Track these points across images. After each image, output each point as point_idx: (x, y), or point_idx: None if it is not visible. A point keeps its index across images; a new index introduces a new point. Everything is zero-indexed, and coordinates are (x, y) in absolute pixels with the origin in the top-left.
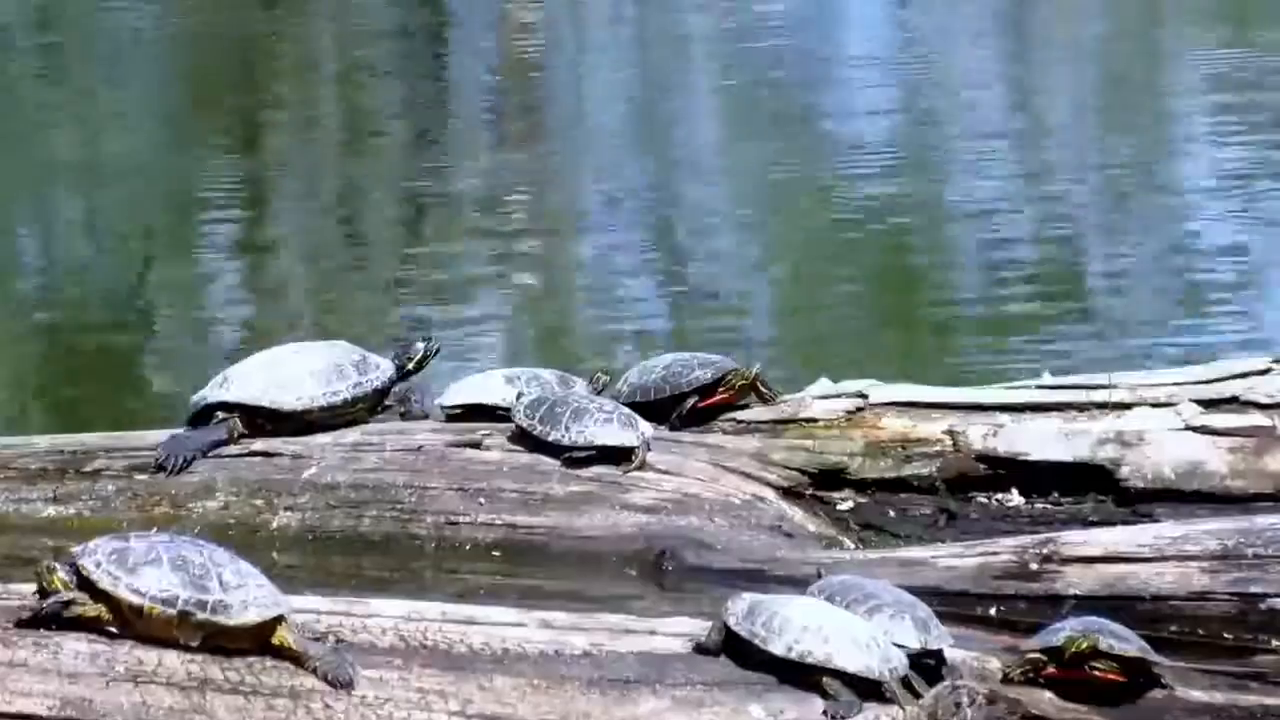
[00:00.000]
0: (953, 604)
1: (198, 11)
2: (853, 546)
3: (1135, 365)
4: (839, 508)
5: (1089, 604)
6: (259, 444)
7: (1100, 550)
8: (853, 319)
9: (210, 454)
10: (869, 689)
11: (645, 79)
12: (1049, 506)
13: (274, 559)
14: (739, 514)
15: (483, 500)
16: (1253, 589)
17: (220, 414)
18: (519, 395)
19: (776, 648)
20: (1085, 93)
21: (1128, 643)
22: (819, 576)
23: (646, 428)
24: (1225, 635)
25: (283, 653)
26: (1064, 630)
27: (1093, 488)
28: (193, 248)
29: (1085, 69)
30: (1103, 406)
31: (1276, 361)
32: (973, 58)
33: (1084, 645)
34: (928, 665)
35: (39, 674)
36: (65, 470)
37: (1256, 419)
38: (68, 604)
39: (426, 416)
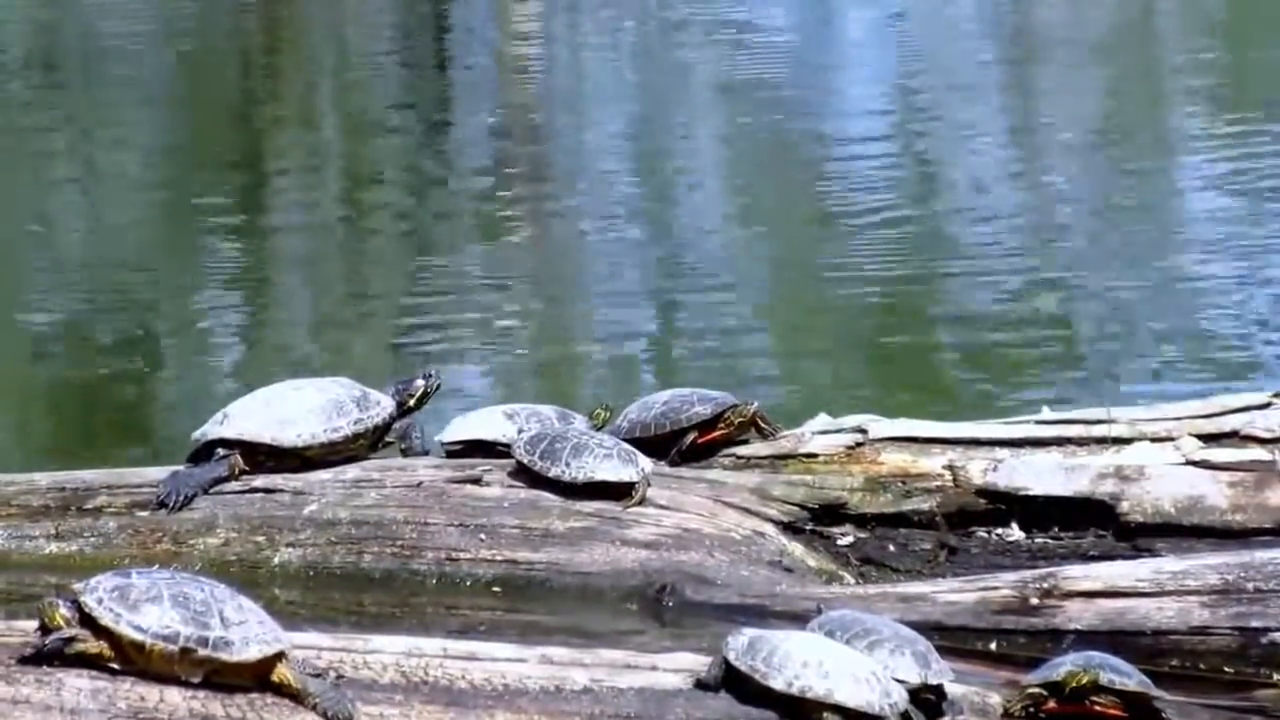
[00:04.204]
0: (953, 639)
1: (196, 40)
2: (853, 581)
3: (1135, 400)
4: (839, 543)
5: (1089, 639)
6: (260, 480)
7: (1100, 585)
8: (853, 354)
9: (211, 491)
10: None
11: (643, 110)
12: (1049, 541)
13: (275, 595)
14: (739, 549)
15: (483, 536)
16: (1253, 623)
17: (221, 450)
18: (519, 431)
19: (777, 683)
20: (1085, 123)
21: (1128, 677)
22: (819, 611)
23: (646, 463)
24: (1226, 670)
25: (283, 689)
26: (1064, 665)
27: (1093, 522)
28: (194, 285)
29: (1085, 93)
30: (1102, 441)
31: (1276, 396)
32: (971, 89)
33: (1085, 680)
34: (928, 700)
35: (41, 710)
36: (67, 507)
37: (1256, 453)
38: (69, 641)
39: (427, 453)
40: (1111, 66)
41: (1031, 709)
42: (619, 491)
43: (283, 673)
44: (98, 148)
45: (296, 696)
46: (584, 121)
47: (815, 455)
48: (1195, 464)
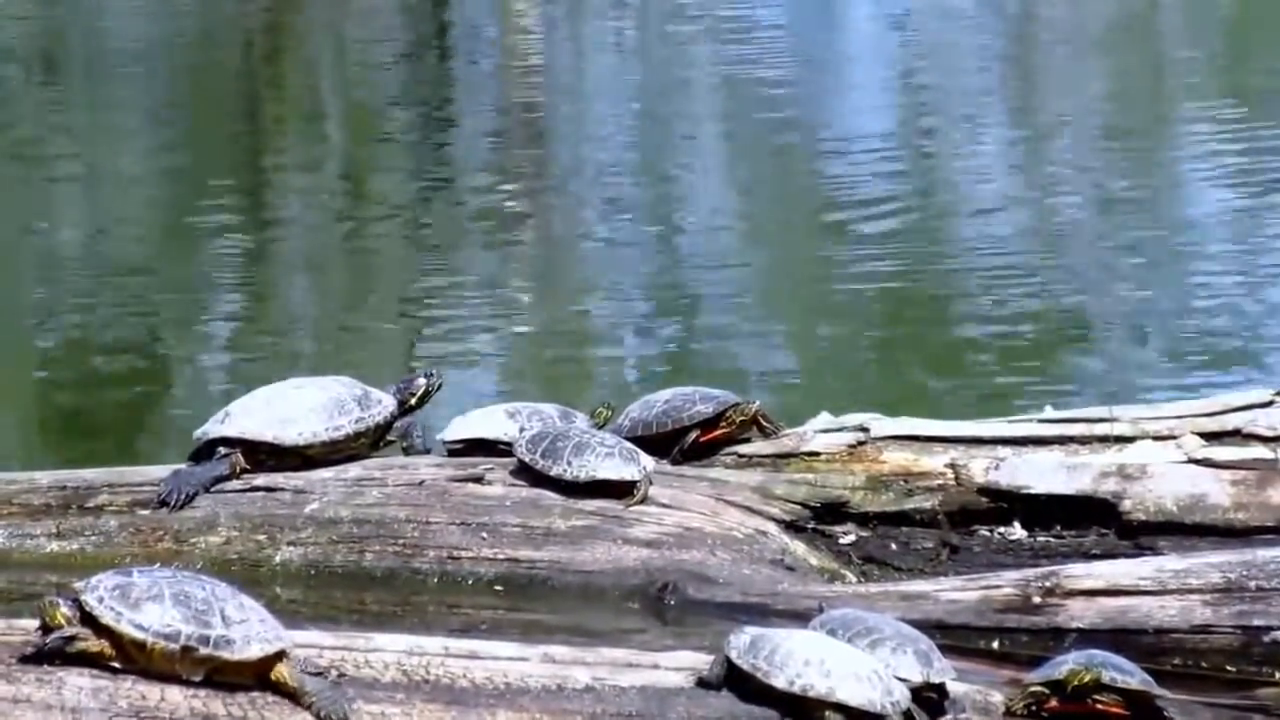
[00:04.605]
0: (955, 637)
1: (198, 39)
2: (855, 580)
3: (1137, 398)
4: (841, 541)
5: (1091, 637)
6: (261, 479)
7: (1102, 583)
8: (854, 353)
9: (212, 489)
10: None
11: (644, 114)
12: (1051, 539)
13: (276, 594)
14: (741, 548)
15: (485, 535)
16: (1255, 622)
17: (222, 449)
18: (521, 430)
19: (779, 681)
20: (1087, 120)
21: (1130, 675)
22: (821, 610)
23: (648, 462)
24: (1228, 668)
25: (280, 689)
26: (1066, 663)
27: (1095, 521)
28: (195, 284)
29: (1087, 90)
30: (1105, 440)
31: (1279, 394)
32: (973, 85)
33: (1087, 678)
34: (930, 699)
35: (42, 710)
36: (68, 506)
37: (1259, 452)
38: (70, 639)
39: (428, 451)
40: (1114, 61)
41: (1034, 707)
42: (621, 490)
43: (280, 671)
44: (99, 147)
45: (293, 696)
46: (586, 119)
47: (817, 454)
48: (1198, 462)
